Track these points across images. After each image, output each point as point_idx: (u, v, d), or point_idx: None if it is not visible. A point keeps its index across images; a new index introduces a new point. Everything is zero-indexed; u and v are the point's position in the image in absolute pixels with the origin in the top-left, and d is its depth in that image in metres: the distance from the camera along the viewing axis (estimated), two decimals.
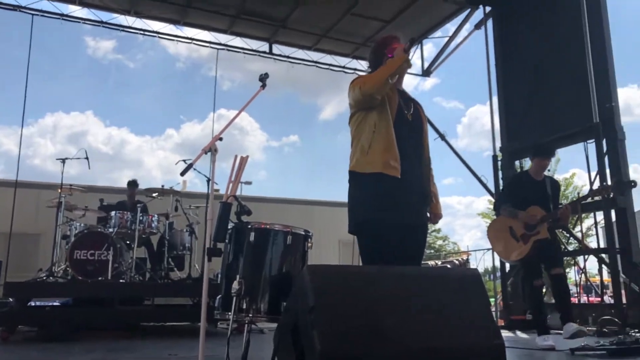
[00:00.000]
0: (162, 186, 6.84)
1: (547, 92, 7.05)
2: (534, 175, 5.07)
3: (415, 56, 10.77)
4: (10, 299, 5.70)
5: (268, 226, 2.79)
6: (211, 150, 2.80)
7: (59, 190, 6.41)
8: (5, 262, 7.29)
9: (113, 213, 6.28)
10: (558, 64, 6.96)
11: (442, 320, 2.19)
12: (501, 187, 7.32)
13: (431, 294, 2.27)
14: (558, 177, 18.72)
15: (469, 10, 9.03)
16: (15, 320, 5.35)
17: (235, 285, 2.56)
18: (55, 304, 6.27)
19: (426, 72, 10.66)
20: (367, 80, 2.75)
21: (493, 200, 7.99)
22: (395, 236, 2.64)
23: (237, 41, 9.81)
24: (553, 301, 5.61)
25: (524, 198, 4.90)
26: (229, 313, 2.58)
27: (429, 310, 2.20)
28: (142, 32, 9.29)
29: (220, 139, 2.86)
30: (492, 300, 6.38)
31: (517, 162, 7.91)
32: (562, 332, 4.64)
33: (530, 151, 5.26)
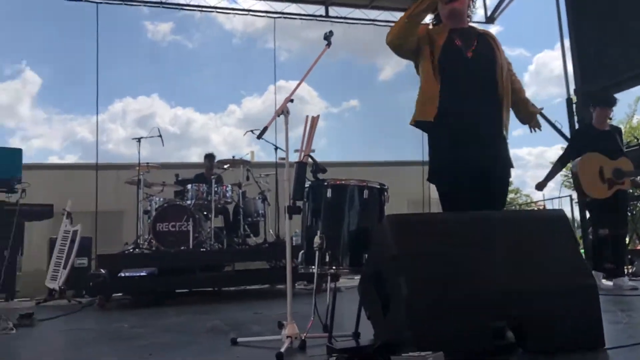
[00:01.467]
0: (233, 157, 7.02)
1: (623, 27, 6.60)
2: (599, 126, 5.11)
3: (478, 4, 10.31)
4: (103, 271, 6.10)
5: (344, 182, 2.81)
6: (284, 112, 2.85)
7: (137, 169, 6.72)
8: (94, 239, 7.76)
9: (190, 186, 6.54)
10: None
11: (531, 262, 2.16)
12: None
13: (516, 237, 2.25)
14: (638, 117, 17.64)
15: None
16: (109, 290, 5.74)
17: (316, 240, 2.62)
18: (142, 274, 6.65)
19: (489, 19, 10.20)
20: (392, 28, 2.70)
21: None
22: (471, 181, 2.59)
23: (292, 8, 9.75)
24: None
25: (597, 150, 4.96)
26: (312, 267, 2.64)
27: (515, 253, 2.18)
28: (199, 8, 9.41)
29: (291, 101, 2.90)
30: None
31: None
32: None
33: (592, 101, 5.31)
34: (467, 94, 2.64)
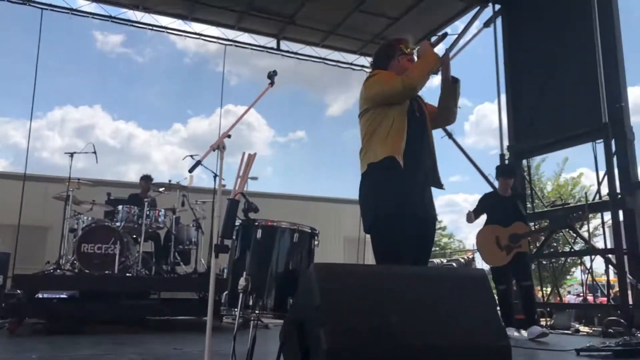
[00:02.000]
0: (169, 181, 6.87)
1: (556, 91, 7.02)
2: (502, 193, 5.82)
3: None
4: (19, 291, 5.75)
5: (275, 224, 2.79)
6: (219, 147, 2.81)
7: (67, 184, 6.45)
8: (13, 254, 7.33)
9: (120, 207, 6.33)
10: (568, 62, 6.92)
11: (449, 320, 2.19)
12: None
13: (437, 294, 2.28)
14: (565, 176, 18.69)
15: (478, 7, 8.98)
16: (24, 312, 5.40)
17: (242, 281, 2.57)
18: (62, 296, 6.32)
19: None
20: (411, 74, 2.77)
21: None
22: (412, 229, 2.68)
23: (245, 37, 9.81)
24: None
25: (497, 214, 5.67)
26: (235, 309, 2.59)
27: (435, 310, 2.21)
28: (150, 27, 9.30)
29: (229, 137, 2.86)
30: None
31: (524, 161, 7.88)
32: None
33: (496, 171, 6.08)
34: (419, 148, 2.83)
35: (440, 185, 2.92)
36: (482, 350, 2.16)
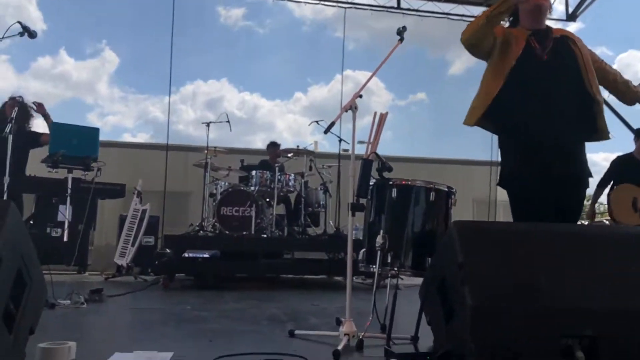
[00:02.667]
0: (297, 147, 7.08)
1: None
2: (639, 157, 5.42)
3: (557, 0, 9.84)
4: (168, 250, 6.33)
5: (410, 182, 2.77)
6: (352, 107, 2.82)
7: (205, 152, 6.91)
8: (161, 218, 8.06)
9: (254, 172, 6.65)
10: None
11: (606, 281, 2.04)
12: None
13: (590, 255, 2.12)
14: None
15: None
16: (174, 269, 5.95)
17: (379, 239, 2.60)
18: (205, 255, 6.85)
19: (571, 17, 9.71)
20: (466, 27, 2.61)
21: None
22: (544, 188, 2.50)
23: None
24: None
25: (634, 181, 5.25)
26: (373, 266, 2.63)
27: (589, 270, 2.07)
28: None
29: (360, 96, 2.86)
30: None
31: None
32: None
33: (635, 132, 5.57)
34: (542, 98, 2.56)
35: (599, 136, 2.65)
36: None
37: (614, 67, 2.85)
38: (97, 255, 7.56)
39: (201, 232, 6.46)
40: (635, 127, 7.12)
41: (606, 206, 5.67)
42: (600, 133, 2.65)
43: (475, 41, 2.61)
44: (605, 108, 2.72)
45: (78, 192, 6.01)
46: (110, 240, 8.24)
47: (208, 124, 7.13)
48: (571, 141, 2.62)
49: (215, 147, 7.03)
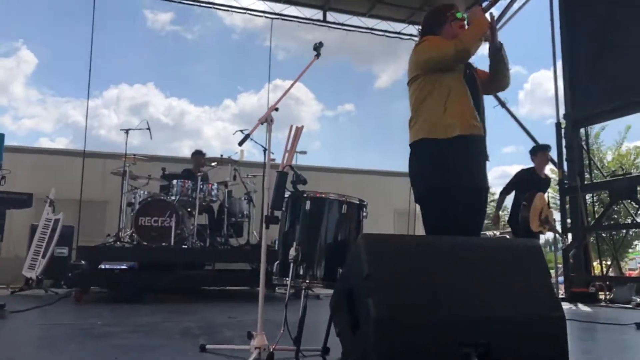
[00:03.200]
0: (221, 156, 7.00)
1: (617, 55, 6.64)
2: (540, 173, 5.97)
3: None
4: (83, 262, 6.06)
5: (323, 195, 2.81)
6: (267, 120, 2.83)
7: (124, 160, 6.69)
8: (76, 228, 7.71)
9: (175, 181, 6.51)
10: (630, 25, 6.52)
11: (500, 291, 2.16)
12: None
13: (488, 265, 2.25)
14: (628, 145, 17.79)
15: None
16: (88, 282, 5.70)
17: (292, 251, 2.61)
18: (122, 267, 6.61)
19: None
20: (464, 38, 2.72)
21: (556, 169, 7.69)
22: (464, 201, 2.65)
23: (291, 10, 9.75)
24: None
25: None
26: (287, 278, 2.64)
27: (485, 281, 2.18)
28: (198, 3, 9.39)
29: (276, 109, 2.87)
30: (552, 272, 6.27)
31: (582, 130, 7.55)
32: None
33: (532, 149, 6.15)
34: (476, 112, 2.79)
35: (486, 157, 2.88)
36: (536, 322, 2.12)
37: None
38: (5, 268, 7.12)
39: (118, 242, 6.23)
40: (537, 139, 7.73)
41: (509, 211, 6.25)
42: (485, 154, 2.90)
43: (473, 52, 2.77)
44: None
45: None
46: (20, 251, 7.77)
47: (127, 131, 6.93)
48: (481, 159, 2.86)
49: (134, 155, 6.82)
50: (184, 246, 6.10)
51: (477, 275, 2.19)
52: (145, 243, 5.86)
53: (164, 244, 5.85)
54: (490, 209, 6.37)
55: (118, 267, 6.54)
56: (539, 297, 2.19)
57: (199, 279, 6.42)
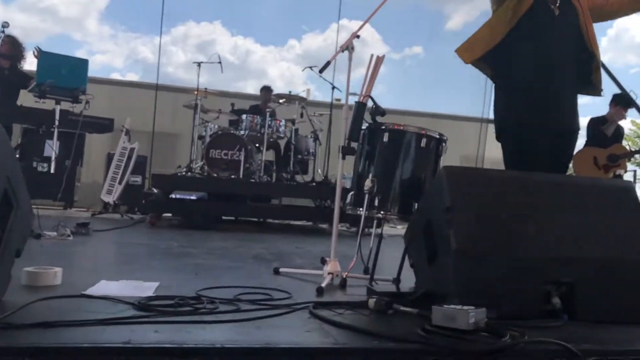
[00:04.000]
0: (290, 92, 7.00)
1: None
2: (610, 121, 5.77)
3: None
4: (155, 190, 6.33)
5: (402, 127, 2.76)
6: (348, 48, 2.77)
7: (196, 93, 6.80)
8: (149, 158, 8.02)
9: (244, 116, 6.59)
10: None
11: (588, 231, 2.08)
12: None
13: (576, 203, 2.16)
14: None
15: None
16: (161, 209, 5.97)
17: (368, 182, 2.60)
18: (192, 197, 6.87)
19: None
20: None
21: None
22: (543, 141, 2.53)
23: None
24: None
25: (597, 138, 5.67)
26: (360, 209, 2.64)
27: (572, 219, 2.10)
28: None
29: (357, 37, 2.80)
30: None
31: None
32: None
33: (614, 98, 5.78)
34: (548, 50, 2.58)
35: (592, 91, 2.68)
36: (624, 265, 2.03)
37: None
38: (84, 192, 7.55)
39: (189, 173, 6.45)
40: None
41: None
42: (593, 89, 2.69)
43: None
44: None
45: (65, 124, 5.92)
46: (98, 177, 8.20)
47: (199, 64, 7.01)
48: (569, 96, 2.68)
49: (205, 89, 6.92)
50: (252, 180, 6.23)
51: (563, 213, 2.12)
52: (215, 175, 6.03)
53: (233, 176, 5.99)
54: None
55: (188, 197, 6.79)
56: (630, 239, 2.10)
57: (266, 211, 6.59)
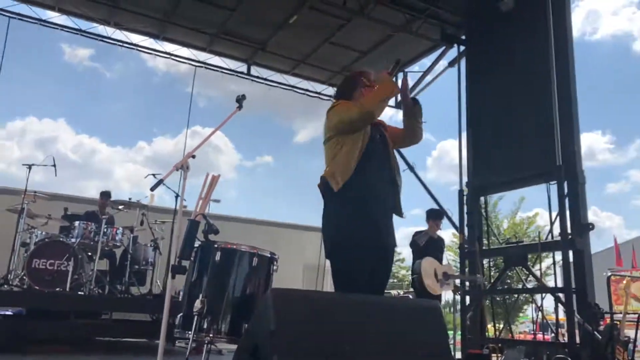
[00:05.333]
0: (130, 199, 6.76)
1: (514, 131, 7.26)
2: (432, 234, 6.46)
3: None
4: None
5: (234, 246, 2.81)
6: (183, 167, 2.82)
7: (23, 196, 6.27)
8: None
9: (77, 223, 6.17)
10: (526, 105, 7.19)
11: (401, 350, 2.24)
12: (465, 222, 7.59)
13: (391, 324, 2.32)
14: (521, 215, 19.20)
15: (444, 47, 9.29)
16: None
17: (197, 304, 2.57)
18: (7, 313, 6.08)
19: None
20: (366, 101, 2.87)
21: (457, 233, 8.13)
22: (369, 257, 2.71)
23: (215, 60, 9.84)
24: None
25: (432, 252, 6.25)
26: (189, 332, 2.57)
27: (388, 340, 2.25)
28: (120, 43, 9.24)
29: (193, 157, 2.88)
30: (451, 333, 6.51)
31: (482, 198, 8.08)
32: None
33: (426, 213, 6.67)
34: (380, 174, 2.90)
35: (400, 214, 2.99)
36: None
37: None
38: None
39: (5, 286, 5.74)
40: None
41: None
42: (399, 211, 3.00)
43: (377, 115, 2.90)
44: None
45: None
46: None
47: (30, 166, 6.53)
48: (391, 218, 2.95)
49: (35, 192, 6.42)
50: (80, 292, 5.72)
51: (380, 334, 2.26)
52: (37, 287, 5.45)
53: (58, 289, 5.46)
54: (395, 268, 6.63)
55: (3, 312, 6.00)
56: (437, 355, 2.29)
57: (94, 328, 6.02)
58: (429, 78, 10.21)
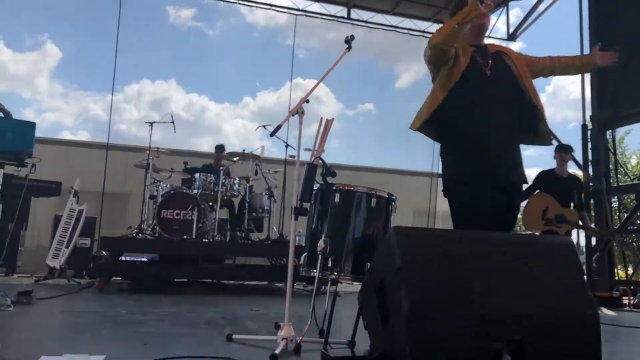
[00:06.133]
0: (243, 151, 7.03)
1: None
2: (560, 172, 5.77)
3: (500, 21, 10.29)
4: (104, 253, 6.13)
5: (352, 188, 2.81)
6: (298, 112, 2.84)
7: (147, 153, 6.74)
8: (98, 219, 7.80)
9: (197, 175, 6.55)
10: None
11: (533, 288, 2.14)
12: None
13: (520, 261, 2.22)
14: None
15: None
16: (110, 272, 5.77)
17: (320, 243, 2.61)
18: (143, 259, 6.67)
19: (511, 37, 10.15)
20: (436, 33, 2.68)
21: (580, 172, 7.58)
22: (485, 196, 2.60)
23: (315, 6, 9.75)
24: None
25: (553, 193, 5.57)
26: (314, 270, 2.64)
27: (518, 277, 2.16)
28: None
29: (307, 101, 2.89)
30: None
31: (608, 133, 7.44)
32: None
33: (555, 148, 5.92)
34: (485, 109, 2.68)
35: (540, 141, 2.83)
36: (569, 319, 2.09)
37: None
38: (28, 257, 7.23)
39: (140, 235, 6.28)
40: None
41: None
42: (542, 138, 2.81)
43: (446, 46, 2.66)
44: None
45: (9, 189, 5.72)
46: (43, 241, 7.89)
47: (151, 124, 6.95)
48: (511, 152, 2.76)
49: (157, 148, 6.86)
50: (205, 239, 6.13)
51: (509, 271, 2.17)
52: (167, 235, 5.91)
53: (185, 236, 5.88)
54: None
55: (139, 259, 6.60)
56: (572, 294, 2.16)
57: (219, 272, 6.46)
58: (542, 7, 9.39)
